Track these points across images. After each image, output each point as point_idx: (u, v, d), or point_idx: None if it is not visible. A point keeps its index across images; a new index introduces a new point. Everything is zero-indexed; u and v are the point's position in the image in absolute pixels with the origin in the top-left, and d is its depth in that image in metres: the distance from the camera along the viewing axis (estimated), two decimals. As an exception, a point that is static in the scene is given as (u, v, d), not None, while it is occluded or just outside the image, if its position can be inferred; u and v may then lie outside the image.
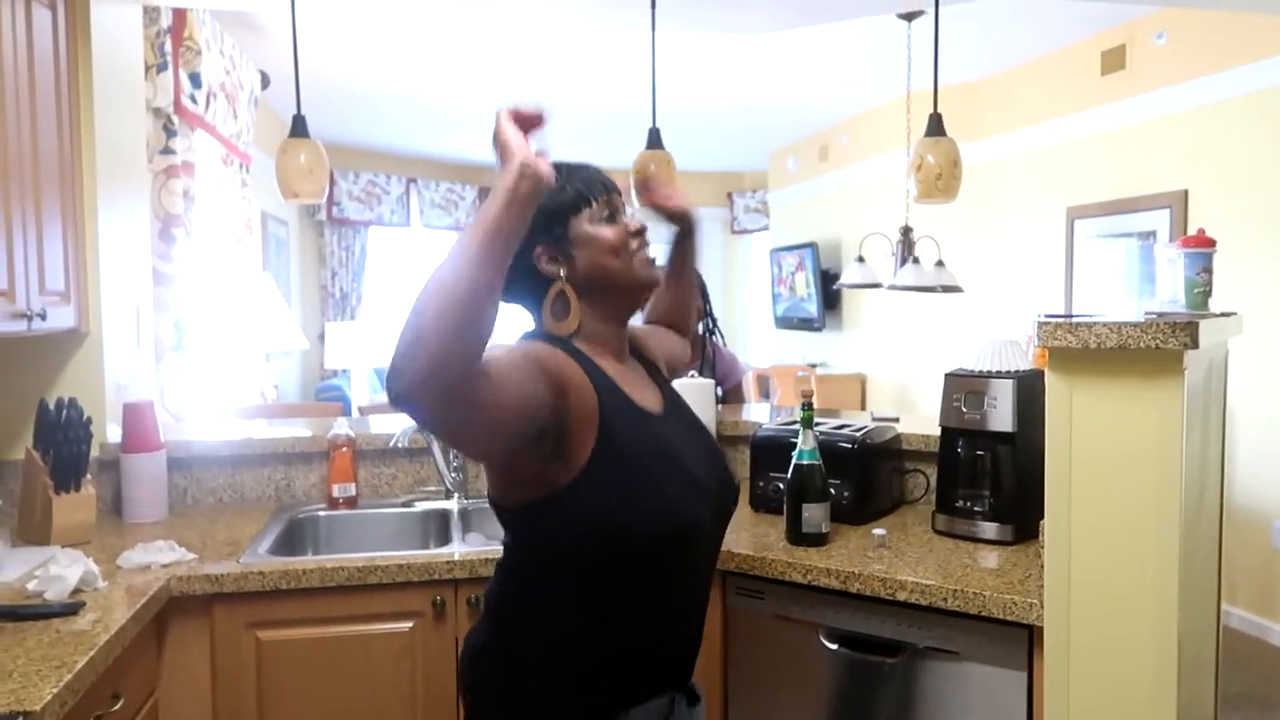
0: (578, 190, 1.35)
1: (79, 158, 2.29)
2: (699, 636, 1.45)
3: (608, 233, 1.35)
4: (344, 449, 2.40)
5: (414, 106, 6.71)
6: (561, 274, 1.34)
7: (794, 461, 2.00)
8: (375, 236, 8.75)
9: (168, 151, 3.39)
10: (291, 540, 2.25)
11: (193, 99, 3.60)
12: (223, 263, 4.35)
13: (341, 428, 2.42)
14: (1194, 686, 1.76)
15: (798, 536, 2.00)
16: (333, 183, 8.29)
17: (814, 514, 1.99)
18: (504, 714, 1.35)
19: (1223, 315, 1.85)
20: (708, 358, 3.45)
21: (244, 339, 4.18)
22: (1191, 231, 2.00)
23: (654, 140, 2.90)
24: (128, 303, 2.54)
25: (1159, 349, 1.47)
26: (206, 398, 3.90)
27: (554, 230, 1.33)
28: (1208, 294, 1.86)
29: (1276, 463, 4.06)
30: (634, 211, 1.44)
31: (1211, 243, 1.86)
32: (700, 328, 3.43)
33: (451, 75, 5.81)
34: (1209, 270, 1.87)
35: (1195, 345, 1.46)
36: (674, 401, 1.46)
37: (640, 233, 1.39)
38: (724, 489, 1.42)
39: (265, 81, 5.06)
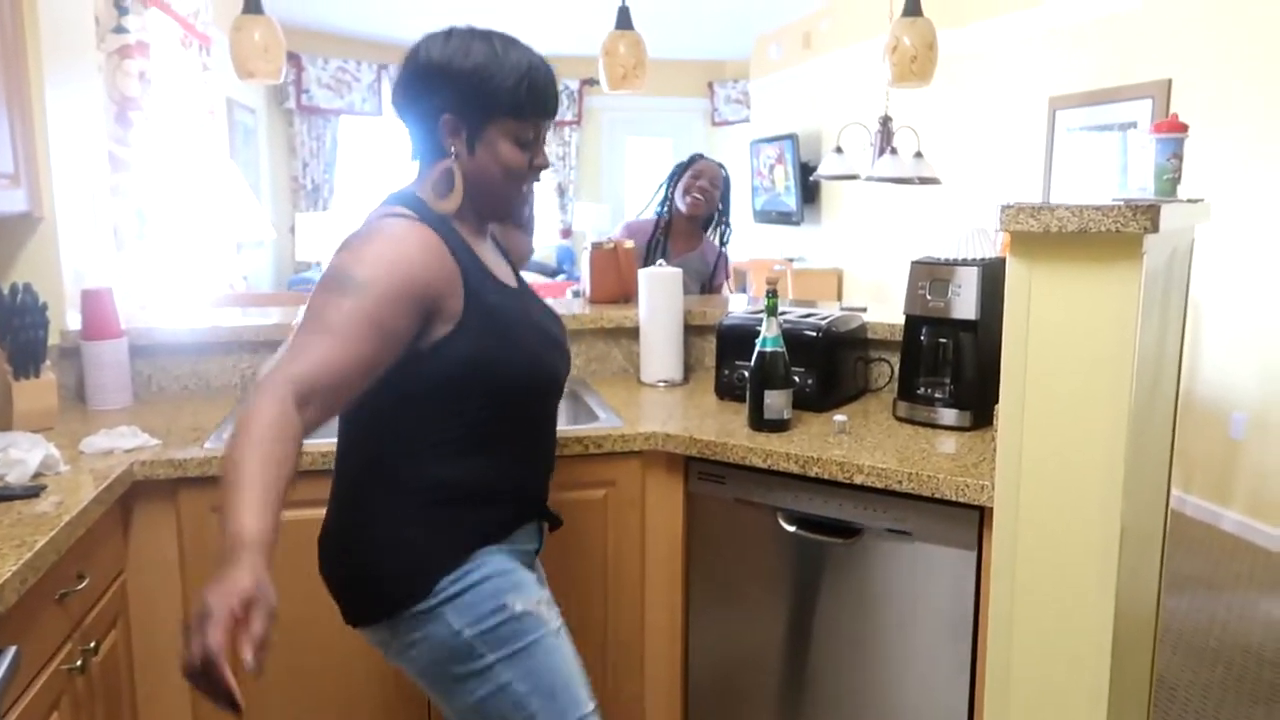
0: (517, 99, 1.36)
1: (21, 34, 2.18)
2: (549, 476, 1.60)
3: (517, 156, 1.40)
4: (309, 337, 2.38)
5: (382, -13, 6.45)
6: (454, 154, 1.39)
7: (757, 349, 2.01)
8: (346, 126, 8.54)
9: (120, 30, 3.25)
10: (258, 427, 2.25)
11: (144, -26, 3.44)
12: (185, 149, 4.24)
13: (305, 316, 2.40)
14: (1137, 567, 1.82)
15: (760, 423, 2.02)
16: (301, 69, 8.03)
17: (776, 400, 2.00)
18: (392, 570, 1.40)
19: (1188, 201, 1.84)
20: (719, 265, 3.48)
21: (209, 228, 4.11)
22: (1171, 120, 1.98)
23: (623, 20, 2.81)
24: (83, 187, 2.47)
25: (1119, 232, 1.46)
26: (172, 287, 3.85)
27: (471, 111, 1.36)
28: (1177, 181, 1.84)
29: (1239, 355, 4.13)
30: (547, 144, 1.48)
31: (1183, 128, 1.84)
32: (716, 234, 3.46)
33: (419, -47, 5.57)
34: (1179, 157, 1.84)
35: (1155, 229, 1.45)
36: (522, 282, 1.60)
37: (538, 170, 1.44)
38: (565, 347, 1.60)
39: (223, -42, 4.84)
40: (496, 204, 1.45)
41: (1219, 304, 4.21)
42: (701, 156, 3.51)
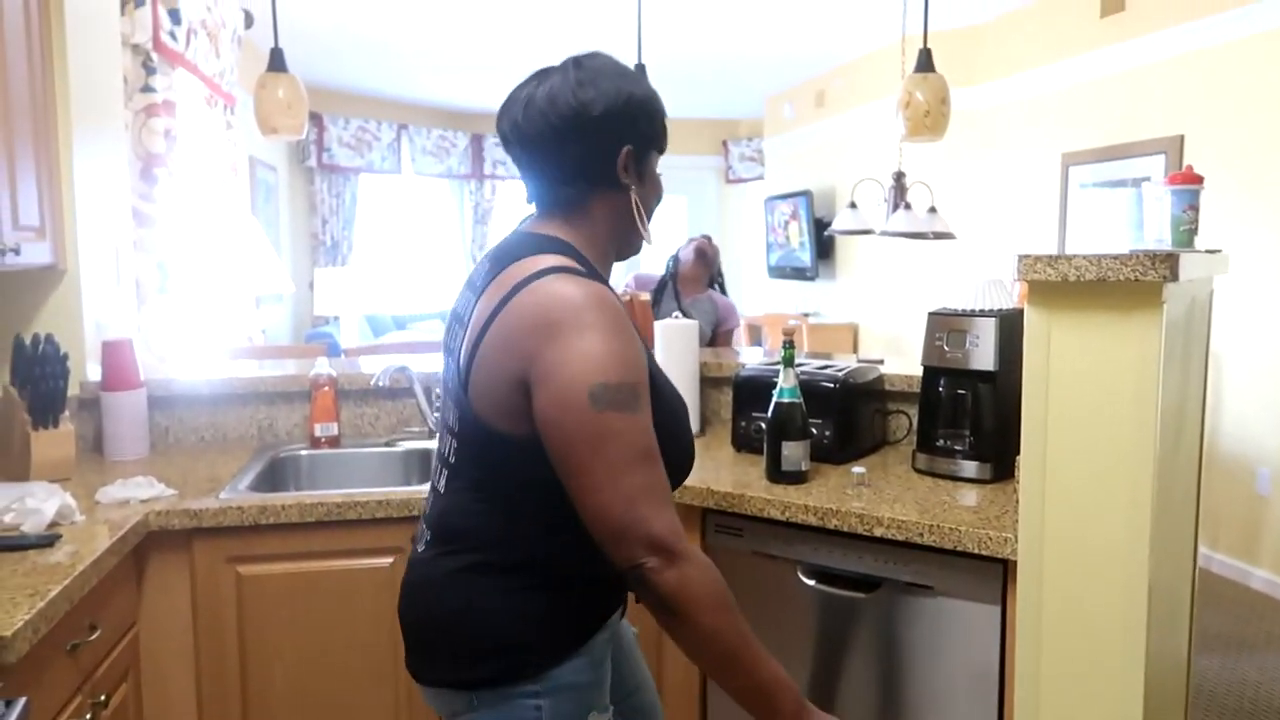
0: (665, 131, 1.37)
1: (51, 92, 2.24)
2: None
3: (660, 185, 1.40)
4: (326, 388, 2.39)
5: (405, 50, 6.61)
6: (630, 186, 1.31)
7: (774, 400, 2.00)
8: (366, 184, 8.67)
9: (147, 90, 3.33)
10: (273, 478, 2.25)
11: (172, 35, 3.53)
12: (208, 205, 4.31)
13: (323, 367, 2.41)
14: (1167, 624, 1.77)
15: (777, 474, 2.00)
16: (322, 128, 8.19)
17: (793, 452, 1.99)
18: (504, 639, 1.26)
19: (1207, 252, 1.83)
20: (731, 311, 3.75)
21: (229, 282, 4.15)
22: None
23: (640, 78, 2.86)
24: (106, 241, 2.51)
25: (1138, 281, 1.45)
26: (191, 340, 3.89)
27: (645, 148, 1.33)
28: (1194, 232, 1.84)
29: (1262, 408, 4.08)
30: None
31: (1199, 179, 1.84)
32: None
33: (442, 19, 5.71)
34: (1195, 208, 1.84)
35: (1175, 278, 1.44)
36: None
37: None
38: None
39: (249, 20, 4.97)
40: (639, 232, 1.36)
41: (1240, 358, 4.18)
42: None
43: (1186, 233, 1.83)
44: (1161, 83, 4.59)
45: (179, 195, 3.62)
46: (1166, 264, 1.44)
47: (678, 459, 1.31)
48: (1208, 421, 4.29)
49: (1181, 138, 4.45)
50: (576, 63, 1.31)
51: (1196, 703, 3.02)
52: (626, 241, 1.37)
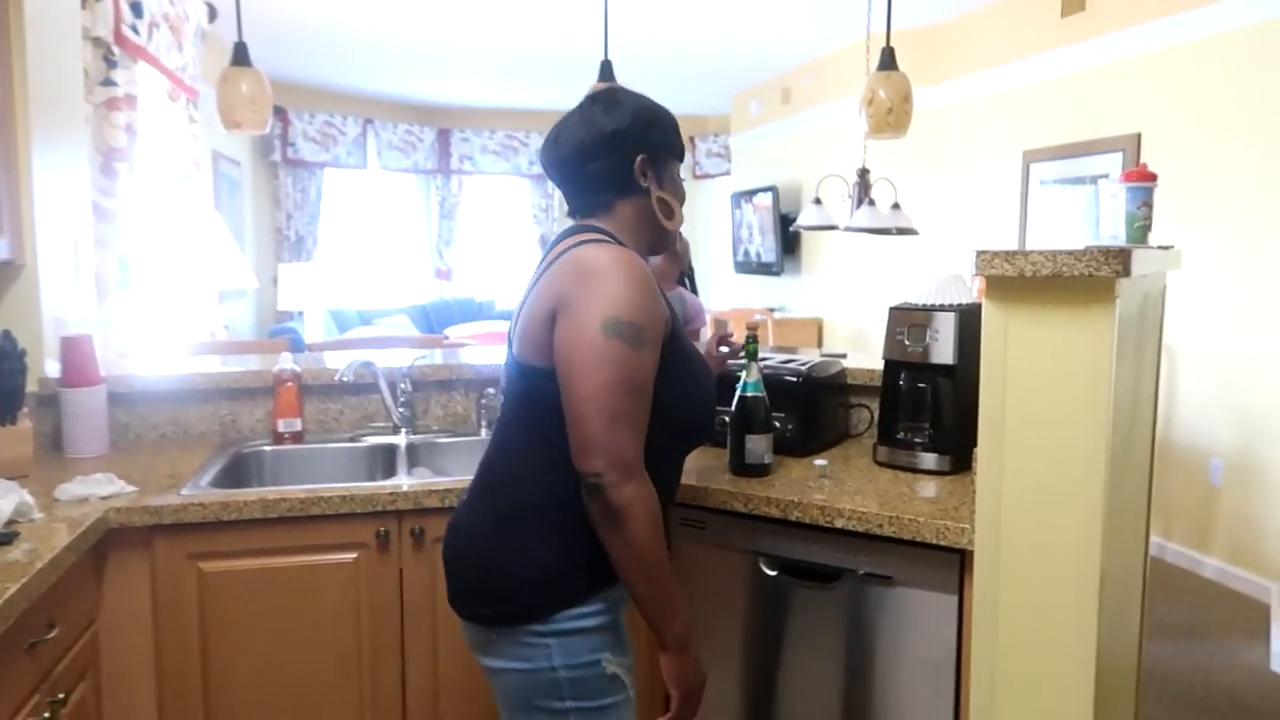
0: (680, 143, 1.60)
1: (10, 85, 2.21)
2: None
3: (682, 188, 1.61)
4: (289, 384, 2.38)
5: (371, 45, 6.56)
6: (653, 188, 1.54)
7: (738, 394, 2.02)
8: (331, 178, 8.60)
9: (108, 83, 3.28)
10: (236, 474, 2.24)
11: (134, 29, 3.48)
12: (170, 200, 4.26)
13: (286, 362, 2.40)
14: (1119, 612, 1.82)
15: (741, 467, 2.02)
16: (287, 123, 8.11)
17: (757, 445, 2.01)
18: (516, 581, 1.44)
19: (1160, 248, 1.87)
20: (699, 311, 3.68)
21: (192, 277, 4.11)
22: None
23: (606, 74, 2.86)
24: (66, 236, 2.47)
25: (1092, 276, 1.49)
26: (153, 336, 3.84)
27: (659, 156, 1.54)
28: (1147, 228, 1.88)
29: (1216, 401, 4.17)
30: None
31: (1153, 177, 1.88)
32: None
33: (409, 12, 5.68)
34: (1149, 205, 1.88)
35: (1127, 273, 1.48)
36: None
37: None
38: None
39: (212, 14, 4.91)
40: (665, 229, 1.57)
41: (1194, 352, 4.27)
42: None
43: (1141, 229, 1.88)
44: (1120, 82, 4.68)
45: (140, 190, 3.58)
46: (1119, 260, 1.47)
47: (697, 419, 1.55)
48: (1162, 414, 4.39)
49: (1139, 136, 4.53)
50: (593, 98, 1.56)
51: (1149, 688, 3.09)
52: (654, 239, 1.58)
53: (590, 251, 1.41)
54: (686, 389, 1.50)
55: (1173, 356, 4.35)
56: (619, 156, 1.50)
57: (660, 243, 1.60)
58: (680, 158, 1.60)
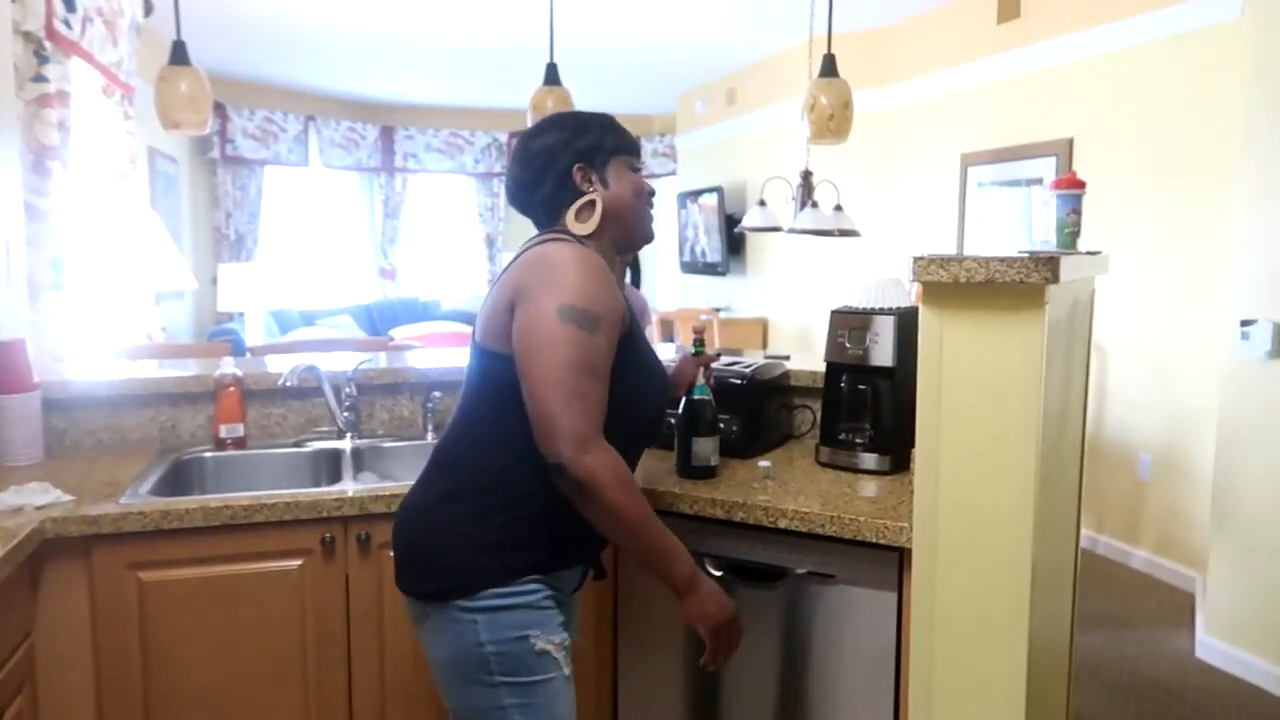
0: (627, 139, 1.66)
1: (-67, 81, 2.15)
2: None
3: (637, 179, 1.66)
4: (231, 388, 2.35)
5: (313, 39, 6.46)
6: (596, 192, 1.60)
7: (685, 396, 2.04)
8: (272, 176, 8.45)
9: (40, 79, 3.19)
10: (176, 481, 2.21)
11: (66, 23, 3.39)
12: (105, 199, 4.16)
13: (228, 367, 2.37)
14: (1050, 604, 1.88)
15: (688, 470, 2.05)
16: (226, 119, 7.95)
17: (703, 447, 2.04)
18: (448, 558, 1.52)
19: (1088, 254, 1.94)
20: (645, 309, 3.59)
21: (128, 278, 4.02)
22: (1073, 177, 2.09)
23: (551, 76, 2.87)
24: (-5, 237, 2.41)
25: (1023, 283, 1.54)
26: (88, 338, 3.75)
27: (597, 159, 1.61)
28: (1076, 234, 1.95)
29: (1144, 400, 4.31)
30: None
31: (1081, 184, 1.95)
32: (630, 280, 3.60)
33: (352, 6, 5.61)
34: (1078, 211, 1.95)
35: (1056, 280, 1.54)
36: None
37: (652, 194, 1.68)
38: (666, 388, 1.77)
39: (148, 8, 4.80)
40: (636, 223, 1.65)
41: (1124, 352, 4.41)
42: None
43: (1070, 235, 1.94)
44: (1053, 88, 4.81)
45: (74, 189, 3.49)
46: (1049, 267, 1.53)
47: (647, 417, 1.65)
48: (1093, 411, 4.53)
49: (1071, 141, 4.67)
50: (522, 132, 1.71)
51: (1080, 677, 3.20)
52: (622, 235, 1.64)
53: (550, 248, 1.51)
54: (639, 386, 1.59)
55: (1103, 355, 4.49)
56: (557, 173, 1.60)
57: (632, 242, 1.67)
58: (628, 151, 1.65)
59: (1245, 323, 3.20)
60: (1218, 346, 3.67)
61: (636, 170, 1.67)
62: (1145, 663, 3.35)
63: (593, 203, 1.59)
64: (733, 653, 1.58)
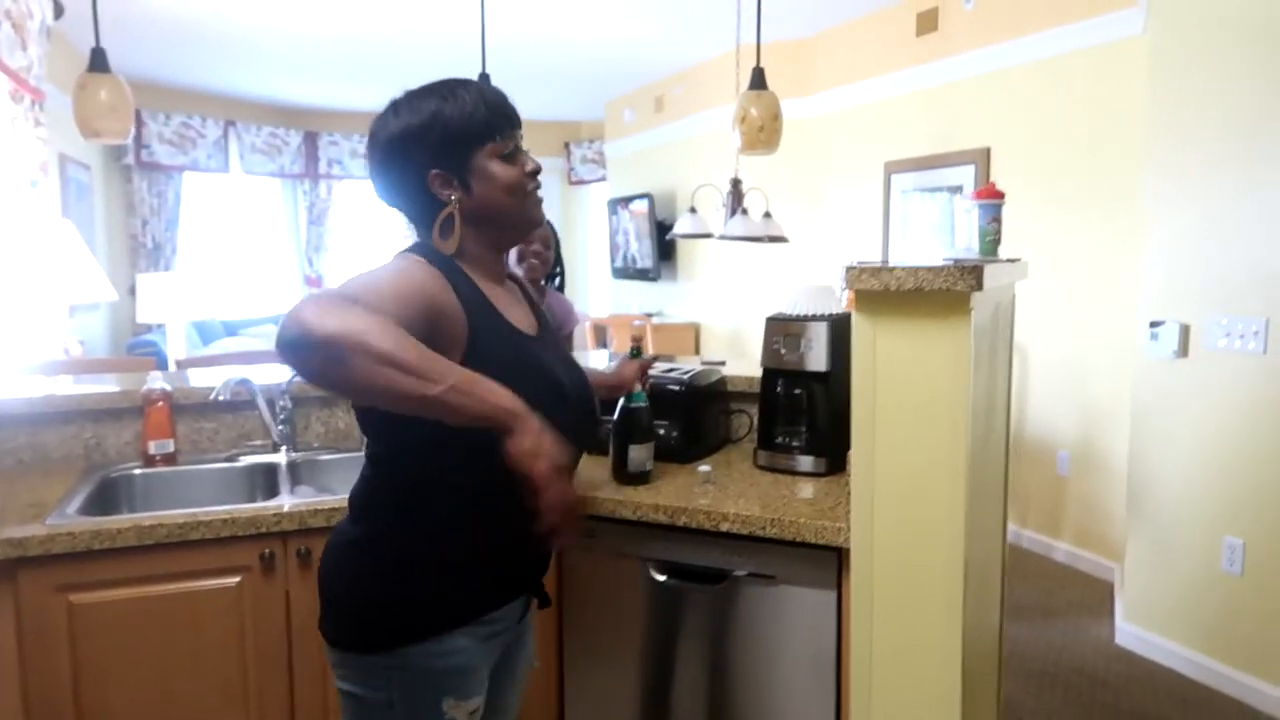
0: (486, 121, 1.39)
1: None
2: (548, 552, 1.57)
3: (509, 171, 1.42)
4: (160, 403, 2.29)
5: (232, 41, 6.31)
6: (454, 199, 1.40)
7: (622, 404, 2.06)
8: (190, 182, 8.23)
9: (-56, 84, 3.08)
10: (104, 500, 2.15)
11: (-29, 27, 3.28)
12: (15, 208, 4.01)
13: (156, 381, 2.31)
14: (982, 599, 1.95)
15: (623, 476, 2.07)
16: (142, 124, 7.72)
17: (639, 454, 2.06)
18: (359, 608, 1.40)
19: (1009, 261, 2.03)
20: (571, 314, 3.51)
21: (41, 290, 3.88)
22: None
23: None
24: (-97, 250, 2.31)
25: (949, 290, 1.60)
26: (1, 352, 3.61)
27: (455, 156, 1.38)
28: (997, 242, 2.03)
29: (1062, 399, 4.49)
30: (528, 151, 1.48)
31: (1000, 195, 2.03)
32: (553, 284, 3.47)
33: (273, 10, 5.50)
34: (998, 220, 2.03)
35: (980, 287, 1.60)
36: (547, 329, 1.59)
37: (536, 173, 1.46)
38: (586, 406, 1.53)
39: (59, 10, 4.64)
40: (513, 220, 1.45)
41: (1041, 353, 4.58)
42: None
43: (991, 243, 2.02)
44: (970, 99, 4.97)
45: (-17, 198, 3.36)
46: (973, 275, 1.59)
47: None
48: (1014, 411, 4.68)
49: (989, 150, 4.83)
50: (412, 91, 1.42)
51: (1008, 666, 3.31)
52: (500, 237, 1.47)
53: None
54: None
55: (1024, 357, 4.65)
56: (412, 184, 1.41)
57: (511, 233, 1.48)
58: (495, 134, 1.40)
59: (1154, 324, 3.36)
60: (1128, 347, 3.84)
61: (511, 152, 1.42)
62: (1069, 650, 3.48)
63: (450, 218, 1.40)
64: (572, 514, 1.24)
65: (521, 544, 1.44)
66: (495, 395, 1.18)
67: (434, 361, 1.14)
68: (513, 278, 1.61)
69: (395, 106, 1.42)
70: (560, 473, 1.20)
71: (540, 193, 1.49)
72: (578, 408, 1.48)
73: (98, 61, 2.42)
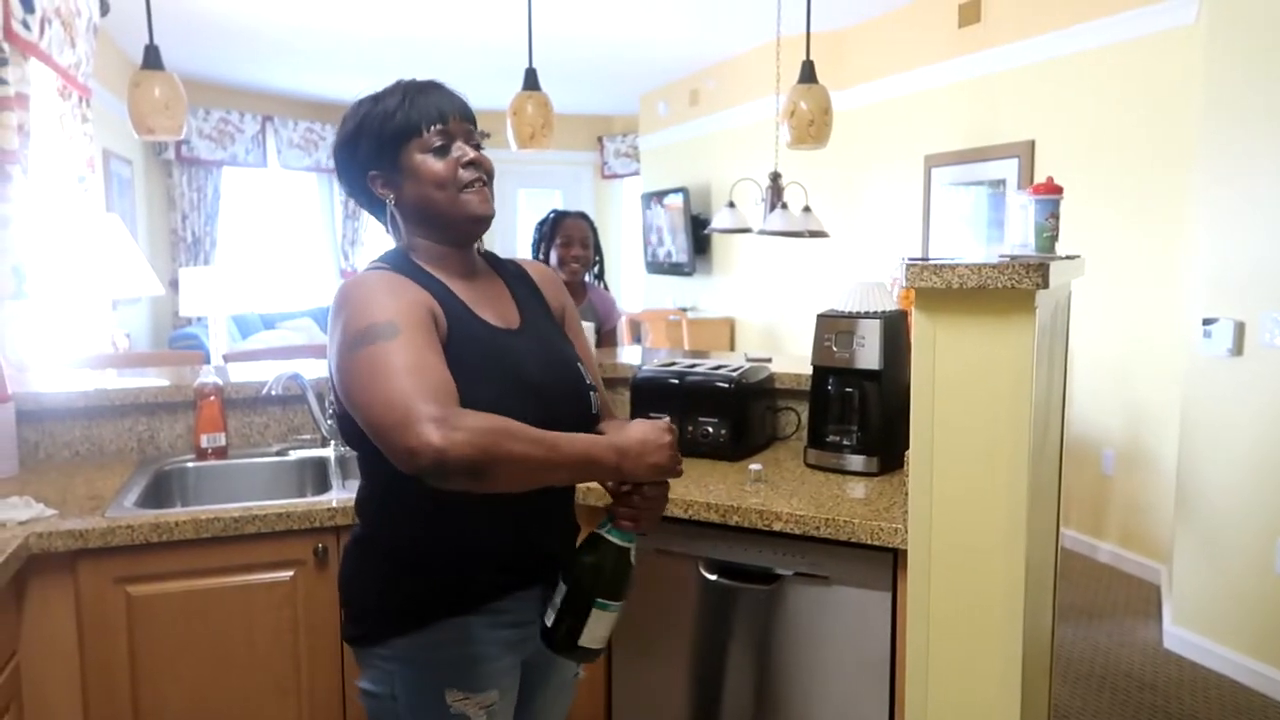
0: (408, 118, 1.39)
1: (-102, 85, 2.09)
2: (561, 530, 1.52)
3: (434, 166, 1.39)
4: (212, 397, 2.31)
5: (270, 38, 6.36)
6: (390, 200, 1.42)
7: (586, 539, 1.47)
8: (229, 177, 8.31)
9: (-2, 81, 3.12)
10: (159, 493, 2.17)
11: (25, 25, 3.31)
12: (65, 204, 4.06)
13: (209, 375, 2.33)
14: (1037, 602, 1.92)
15: (566, 647, 1.45)
16: (181, 119, 7.79)
17: (599, 625, 1.41)
18: (358, 605, 1.44)
19: (1068, 258, 1.99)
20: (612, 310, 3.48)
21: (91, 285, 3.93)
22: (1038, 179, 2.14)
23: (531, 82, 2.87)
24: (-39, 245, 2.35)
25: (1014, 288, 1.58)
26: (52, 347, 3.67)
27: (385, 156, 1.40)
28: (1055, 238, 1.99)
29: (1108, 396, 4.41)
30: (478, 137, 1.46)
31: (1059, 190, 1.99)
32: (594, 279, 3.43)
33: (312, 6, 5.53)
34: (1056, 216, 1.99)
35: (1046, 285, 1.57)
36: (533, 321, 1.51)
37: (472, 164, 1.41)
38: (568, 398, 1.46)
39: (105, 8, 4.70)
40: (447, 216, 1.41)
41: (1087, 349, 4.51)
42: (563, 215, 3.29)
43: (1049, 239, 1.98)
44: (1014, 90, 4.90)
45: (35, 194, 3.41)
46: (1039, 272, 1.56)
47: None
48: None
49: (1033, 143, 4.76)
50: (361, 98, 1.49)
51: (1054, 670, 3.26)
52: (443, 232, 1.43)
53: (340, 288, 1.36)
54: (466, 392, 1.25)
55: (1069, 354, 4.57)
56: (361, 191, 1.45)
57: (450, 229, 1.43)
58: (411, 134, 1.39)
59: (1207, 321, 3.29)
60: (1178, 344, 3.77)
61: (441, 145, 1.39)
62: (1115, 654, 3.43)
63: (391, 217, 1.44)
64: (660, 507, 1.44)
65: (516, 533, 1.41)
66: (604, 452, 1.32)
67: (575, 445, 1.28)
68: (505, 269, 1.57)
69: (344, 115, 1.48)
70: (672, 462, 1.38)
71: (481, 184, 1.43)
72: (556, 404, 1.41)
73: (151, 58, 2.44)
